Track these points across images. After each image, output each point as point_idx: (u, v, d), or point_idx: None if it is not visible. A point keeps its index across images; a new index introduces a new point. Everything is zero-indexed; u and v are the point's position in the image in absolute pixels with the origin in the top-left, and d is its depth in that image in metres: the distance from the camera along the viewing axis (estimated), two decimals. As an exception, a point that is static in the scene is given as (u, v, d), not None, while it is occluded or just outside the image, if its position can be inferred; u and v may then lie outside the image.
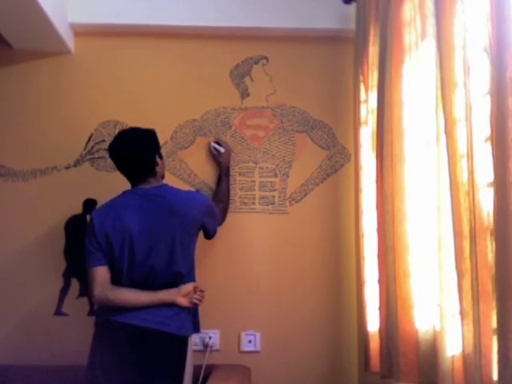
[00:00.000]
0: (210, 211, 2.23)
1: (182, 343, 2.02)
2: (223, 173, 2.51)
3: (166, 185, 2.18)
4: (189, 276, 2.10)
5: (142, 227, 2.03)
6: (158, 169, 2.15)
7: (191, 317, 2.10)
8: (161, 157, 2.20)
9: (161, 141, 2.50)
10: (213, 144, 2.55)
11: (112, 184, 2.51)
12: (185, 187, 2.50)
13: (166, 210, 2.06)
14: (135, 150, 2.10)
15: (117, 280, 2.04)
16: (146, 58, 2.65)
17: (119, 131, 2.26)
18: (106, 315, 2.03)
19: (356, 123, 2.42)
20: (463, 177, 1.44)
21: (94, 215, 2.09)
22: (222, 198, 2.45)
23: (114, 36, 2.63)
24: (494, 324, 1.29)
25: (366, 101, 2.25)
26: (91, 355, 1.99)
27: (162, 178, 2.23)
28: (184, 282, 2.06)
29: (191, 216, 2.11)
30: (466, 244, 1.41)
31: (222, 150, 2.53)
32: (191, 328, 2.10)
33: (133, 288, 2.02)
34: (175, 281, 2.05)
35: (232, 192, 2.56)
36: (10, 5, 2.19)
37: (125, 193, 2.14)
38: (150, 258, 2.02)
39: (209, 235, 2.28)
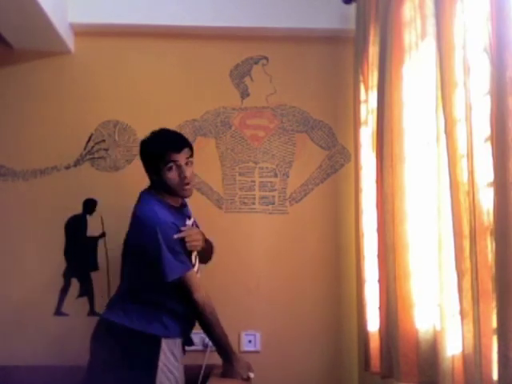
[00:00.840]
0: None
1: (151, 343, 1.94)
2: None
3: (144, 192, 2.08)
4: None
5: None
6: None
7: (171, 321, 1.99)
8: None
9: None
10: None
11: (112, 184, 2.53)
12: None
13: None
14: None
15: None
16: (146, 57, 2.65)
17: (160, 130, 2.10)
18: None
19: (356, 123, 2.42)
20: (463, 177, 1.44)
21: (166, 224, 1.93)
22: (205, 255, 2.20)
23: (113, 36, 2.63)
24: (494, 324, 1.29)
25: (366, 101, 2.25)
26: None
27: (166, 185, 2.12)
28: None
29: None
30: (466, 244, 1.41)
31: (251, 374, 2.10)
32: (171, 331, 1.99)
33: None
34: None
35: (232, 192, 2.56)
36: (10, 5, 2.18)
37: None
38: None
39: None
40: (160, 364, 1.93)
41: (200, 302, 1.96)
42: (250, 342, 2.49)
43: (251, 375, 2.05)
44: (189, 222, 2.08)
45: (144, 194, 2.04)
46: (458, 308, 1.44)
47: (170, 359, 1.97)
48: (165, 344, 1.96)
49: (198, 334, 2.42)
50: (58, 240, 2.51)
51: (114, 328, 1.96)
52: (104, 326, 2.01)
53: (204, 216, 2.42)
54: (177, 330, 2.02)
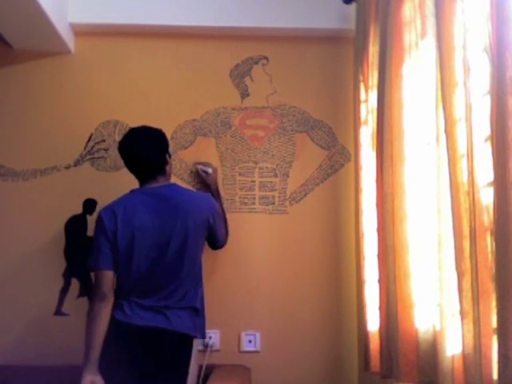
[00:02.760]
0: (217, 214, 2.23)
1: (186, 342, 2.02)
2: (215, 195, 2.44)
3: (174, 184, 2.19)
4: (194, 276, 2.09)
5: (151, 226, 2.03)
6: (167, 167, 2.16)
7: (196, 319, 2.08)
8: (170, 156, 2.20)
9: (162, 141, 2.51)
10: (200, 166, 2.51)
11: (112, 184, 2.52)
12: (185, 187, 2.51)
13: (175, 209, 2.05)
14: (148, 149, 2.10)
15: (124, 277, 2.04)
16: (145, 57, 2.65)
17: (129, 129, 2.22)
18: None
19: (356, 123, 2.42)
20: (463, 177, 1.44)
21: (103, 214, 2.07)
22: None
23: (113, 36, 2.63)
24: (494, 324, 1.29)
25: (366, 101, 2.25)
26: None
27: (170, 177, 2.24)
28: (185, 282, 2.06)
29: (200, 215, 2.11)
30: (466, 244, 1.41)
31: (209, 170, 2.48)
32: (196, 330, 2.07)
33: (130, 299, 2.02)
34: (178, 280, 2.04)
35: (232, 192, 2.56)
36: (10, 5, 2.19)
37: (132, 192, 2.13)
38: (158, 256, 2.02)
39: (216, 241, 2.28)
40: None
41: (94, 296, 2.03)
42: (250, 341, 2.49)
43: None
44: None
45: (176, 185, 2.19)
46: (457, 308, 1.44)
47: None
48: None
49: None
50: (58, 240, 2.51)
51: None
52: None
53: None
54: None
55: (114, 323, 1.99)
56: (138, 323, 1.98)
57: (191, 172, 2.57)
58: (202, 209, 2.13)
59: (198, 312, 2.09)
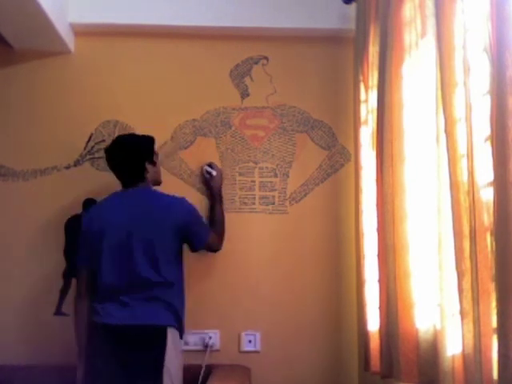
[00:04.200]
0: (193, 219, 2.24)
1: (158, 334, 2.01)
2: (216, 198, 2.46)
3: (151, 189, 2.25)
4: (168, 285, 2.09)
5: (117, 226, 2.11)
6: (148, 175, 2.23)
7: (172, 314, 2.08)
8: (153, 164, 2.26)
9: (161, 141, 2.51)
10: (205, 167, 2.51)
11: (112, 184, 2.51)
12: (185, 187, 2.52)
13: (145, 213, 2.13)
14: (124, 156, 2.21)
15: (97, 278, 2.12)
16: (145, 57, 2.65)
17: (117, 135, 2.35)
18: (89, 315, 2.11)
19: (356, 123, 2.42)
20: (463, 177, 1.44)
21: (84, 215, 2.24)
22: (217, 228, 2.40)
23: (113, 36, 2.63)
24: (494, 324, 1.29)
25: (366, 100, 2.25)
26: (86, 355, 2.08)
27: (157, 183, 2.31)
28: (157, 290, 2.08)
29: (170, 220, 2.13)
30: (466, 244, 1.41)
31: (214, 172, 2.47)
32: (172, 321, 2.07)
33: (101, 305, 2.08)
34: (145, 285, 2.07)
35: (232, 192, 2.56)
36: (10, 5, 2.19)
37: (112, 194, 2.26)
38: (123, 256, 2.08)
39: (194, 246, 2.27)
40: None
41: (76, 296, 2.23)
42: (250, 341, 2.49)
43: None
44: None
45: (153, 190, 2.27)
46: (458, 308, 1.44)
47: None
48: None
49: (197, 334, 2.42)
50: (58, 240, 2.51)
51: None
52: None
53: (204, 216, 2.43)
54: None
55: (91, 325, 2.09)
56: (109, 322, 2.03)
57: (191, 172, 2.57)
58: (172, 213, 2.16)
59: (172, 307, 2.08)
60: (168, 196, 2.22)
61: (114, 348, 1.99)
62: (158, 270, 2.08)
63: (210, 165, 2.51)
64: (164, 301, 2.07)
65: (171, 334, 2.03)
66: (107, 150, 2.27)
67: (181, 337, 2.11)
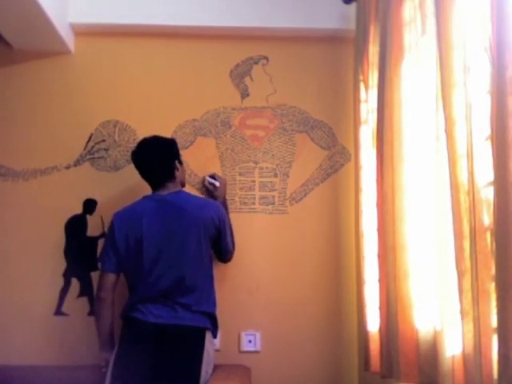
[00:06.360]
0: (224, 220, 2.27)
1: (198, 334, 2.08)
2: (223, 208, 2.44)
3: (182, 191, 2.28)
4: (199, 283, 2.14)
5: (158, 231, 2.13)
6: (177, 174, 2.25)
7: (208, 319, 2.15)
8: (181, 163, 2.29)
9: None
10: (207, 178, 2.49)
11: (112, 184, 2.53)
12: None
13: (180, 214, 2.16)
14: (156, 156, 2.22)
15: (132, 282, 2.16)
16: (146, 57, 2.65)
17: (142, 139, 2.30)
18: (127, 311, 2.13)
19: (356, 123, 2.42)
20: (463, 177, 1.44)
21: (116, 218, 2.20)
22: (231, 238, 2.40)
23: (113, 36, 2.63)
24: (494, 324, 1.29)
25: (366, 100, 2.25)
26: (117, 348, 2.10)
27: (183, 184, 2.34)
28: (189, 288, 2.11)
29: (205, 218, 2.18)
30: (466, 244, 1.41)
31: (217, 183, 2.45)
32: (208, 324, 2.14)
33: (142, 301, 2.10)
34: (179, 285, 2.10)
35: (232, 192, 2.56)
36: (10, 5, 2.19)
37: (144, 198, 2.25)
38: (158, 261, 2.11)
39: (224, 251, 2.32)
40: None
41: (95, 298, 2.25)
42: (250, 341, 2.49)
43: None
44: None
45: (184, 191, 2.30)
46: (458, 308, 1.44)
47: None
48: None
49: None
50: (58, 240, 2.51)
51: None
52: None
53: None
54: None
55: (130, 322, 2.11)
56: (152, 321, 2.06)
57: (191, 172, 2.57)
58: (207, 211, 2.20)
59: (210, 316, 2.16)
60: (203, 199, 2.34)
61: (152, 344, 2.03)
62: (199, 274, 2.15)
63: (212, 176, 2.50)
64: (202, 304, 2.13)
65: (208, 334, 2.12)
66: (136, 153, 2.25)
67: (215, 336, 2.19)
